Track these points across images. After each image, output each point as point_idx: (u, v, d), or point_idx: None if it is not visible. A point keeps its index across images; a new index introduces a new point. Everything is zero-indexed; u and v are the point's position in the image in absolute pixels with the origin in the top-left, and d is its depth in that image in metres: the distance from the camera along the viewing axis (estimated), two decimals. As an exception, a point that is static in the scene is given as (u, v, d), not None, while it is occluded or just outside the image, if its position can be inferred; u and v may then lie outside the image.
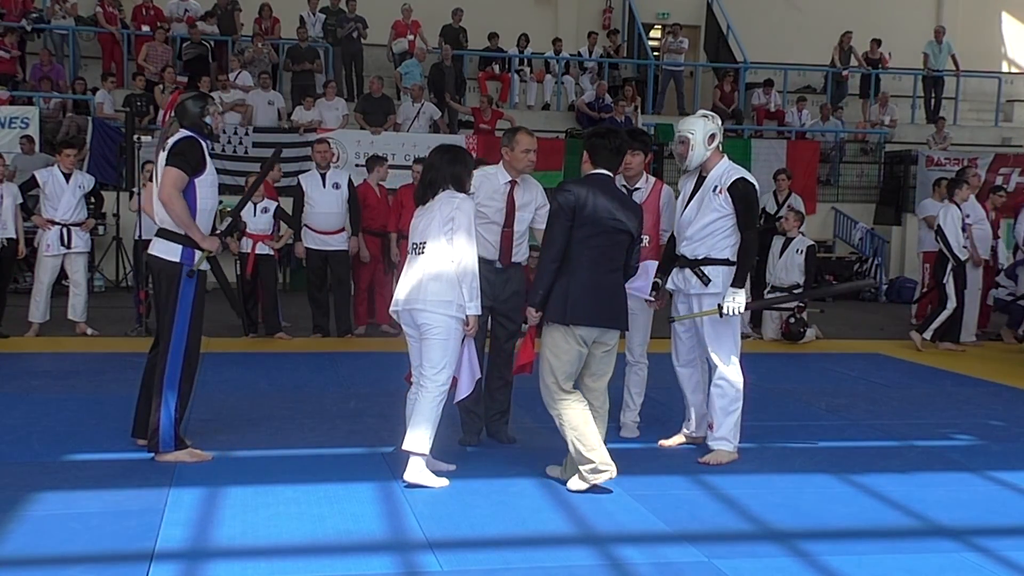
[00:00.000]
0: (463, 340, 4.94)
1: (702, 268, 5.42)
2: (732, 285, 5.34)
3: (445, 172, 4.95)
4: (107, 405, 6.24)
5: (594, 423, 4.78)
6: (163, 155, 5.09)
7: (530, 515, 4.49)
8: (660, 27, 19.38)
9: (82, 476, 4.87)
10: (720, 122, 5.57)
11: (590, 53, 17.64)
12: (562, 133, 15.72)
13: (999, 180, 14.41)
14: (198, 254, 5.09)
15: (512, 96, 16.95)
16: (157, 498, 4.53)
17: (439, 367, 4.83)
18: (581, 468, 4.72)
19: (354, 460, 5.30)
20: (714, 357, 5.48)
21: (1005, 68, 20.57)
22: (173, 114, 5.25)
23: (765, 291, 10.26)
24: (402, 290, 4.94)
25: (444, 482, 4.84)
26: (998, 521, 4.62)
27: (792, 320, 9.87)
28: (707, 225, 5.41)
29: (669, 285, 5.62)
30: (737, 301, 5.29)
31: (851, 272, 14.83)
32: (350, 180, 9.49)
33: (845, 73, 17.94)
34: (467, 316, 4.86)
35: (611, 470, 4.69)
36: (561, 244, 4.74)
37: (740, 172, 5.44)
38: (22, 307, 9.29)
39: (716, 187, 5.39)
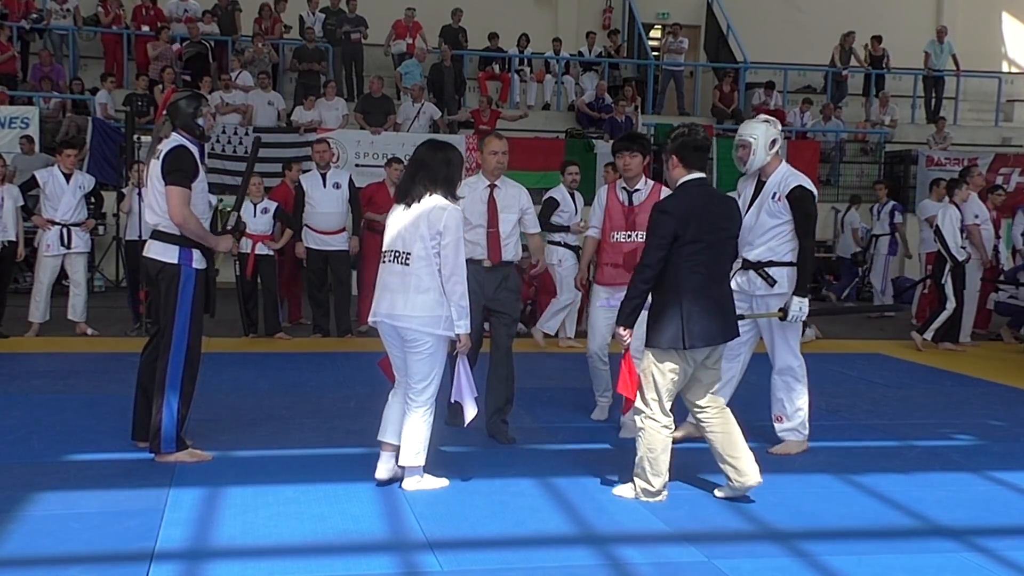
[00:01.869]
0: (456, 358, 4.79)
1: (766, 270, 5.52)
2: (795, 293, 5.43)
3: (439, 173, 4.66)
4: (107, 405, 6.24)
5: (670, 451, 4.68)
6: (155, 163, 5.08)
7: (530, 515, 4.49)
8: (660, 27, 19.39)
9: (82, 476, 4.87)
10: (780, 127, 5.61)
11: (589, 53, 17.64)
12: (562, 133, 15.73)
13: (999, 180, 14.42)
14: (196, 252, 5.10)
15: (512, 96, 16.94)
16: (157, 498, 4.53)
17: (427, 380, 4.69)
18: (637, 482, 4.69)
19: (354, 460, 5.29)
20: (780, 351, 5.60)
21: (1005, 68, 20.58)
22: (165, 113, 5.25)
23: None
24: (383, 302, 4.68)
25: (444, 482, 4.83)
26: (998, 521, 4.62)
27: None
28: (768, 230, 5.51)
29: (731, 285, 5.65)
30: (803, 309, 5.40)
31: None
32: (351, 180, 9.49)
33: (845, 73, 17.94)
34: (458, 335, 4.65)
35: (663, 497, 4.67)
36: (655, 269, 4.51)
37: (799, 179, 5.50)
38: (22, 307, 9.30)
39: (775, 193, 5.47)
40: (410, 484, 4.74)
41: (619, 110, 15.57)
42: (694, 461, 5.43)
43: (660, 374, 4.60)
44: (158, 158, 5.06)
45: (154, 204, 5.10)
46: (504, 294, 5.80)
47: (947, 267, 9.69)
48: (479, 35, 16.98)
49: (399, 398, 4.84)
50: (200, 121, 5.16)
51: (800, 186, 5.43)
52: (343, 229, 9.39)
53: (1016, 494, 5.09)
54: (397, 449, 4.76)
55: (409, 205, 4.67)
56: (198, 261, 5.11)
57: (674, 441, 4.84)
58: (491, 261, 5.74)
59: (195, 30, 15.37)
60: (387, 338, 4.77)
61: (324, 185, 9.28)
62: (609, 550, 4.08)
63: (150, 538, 4.03)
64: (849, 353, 9.58)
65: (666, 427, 4.65)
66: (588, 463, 5.36)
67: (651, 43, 19.03)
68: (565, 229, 9.20)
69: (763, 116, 5.75)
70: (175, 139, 5.10)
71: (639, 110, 16.40)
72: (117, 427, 5.59)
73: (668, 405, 4.66)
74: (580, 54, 17.72)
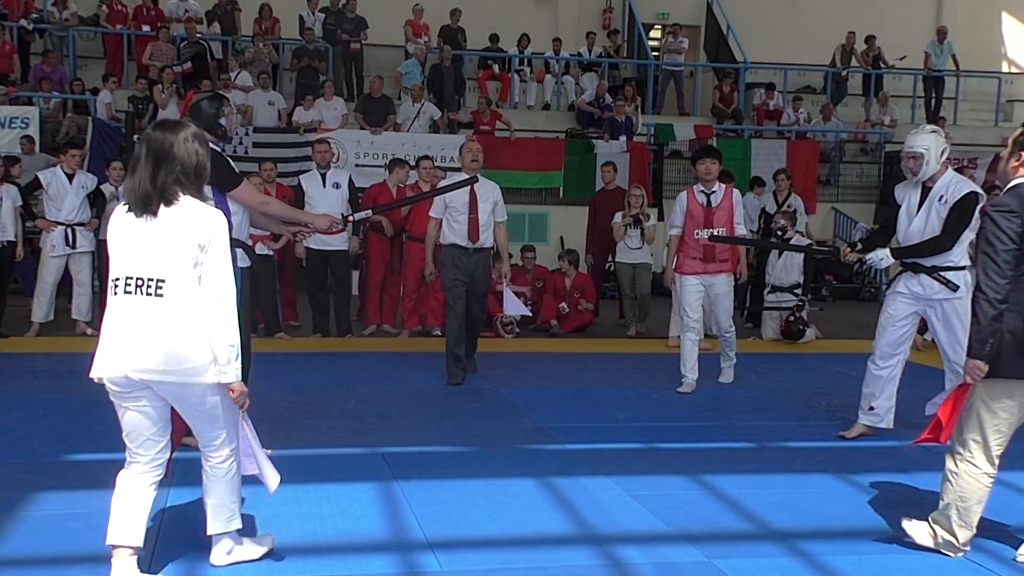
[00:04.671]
0: (240, 416, 3.72)
1: (943, 274, 5.68)
2: (884, 247, 5.92)
3: (189, 164, 3.47)
4: (107, 405, 6.14)
5: (984, 502, 4.11)
6: None
7: (530, 515, 4.50)
8: (660, 27, 19.39)
9: (82, 476, 4.87)
10: (943, 135, 5.81)
11: (589, 53, 17.64)
12: (562, 133, 15.73)
13: (998, 180, 14.41)
14: (239, 252, 5.07)
15: (512, 96, 16.94)
16: (157, 498, 4.51)
17: (221, 437, 3.65)
18: (938, 530, 4.16)
19: (354, 460, 5.30)
20: (958, 349, 5.60)
21: (1005, 68, 20.58)
22: (188, 115, 5.23)
23: (765, 291, 10.29)
24: (120, 350, 3.43)
25: (265, 548, 3.91)
26: (998, 521, 4.62)
27: (792, 319, 9.89)
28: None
29: (901, 287, 5.87)
30: (883, 260, 5.89)
31: (851, 272, 14.84)
32: (350, 180, 9.49)
33: (845, 73, 17.94)
34: (230, 385, 3.47)
35: (964, 553, 4.15)
36: (1006, 284, 3.86)
37: (969, 185, 5.72)
38: (22, 307, 9.30)
39: (941, 196, 5.64)
40: (219, 556, 3.77)
41: (619, 110, 15.56)
42: (693, 460, 5.44)
43: (989, 412, 4.02)
44: None
45: None
46: (479, 274, 7.33)
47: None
48: (479, 35, 16.97)
49: (134, 478, 3.67)
50: (223, 121, 5.13)
51: (972, 192, 5.64)
52: (343, 229, 9.37)
53: (1016, 494, 5.09)
54: (137, 551, 3.59)
55: (152, 213, 3.42)
56: (242, 260, 5.09)
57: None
58: (471, 242, 7.18)
59: (193, 30, 15.37)
60: (127, 394, 3.57)
61: (324, 185, 9.28)
62: (609, 550, 4.08)
63: (150, 538, 4.03)
64: (849, 353, 9.56)
65: (988, 475, 4.07)
66: (588, 463, 5.36)
67: (651, 43, 19.02)
68: None
69: (930, 127, 5.94)
70: None
71: (639, 110, 16.39)
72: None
73: (997, 451, 4.07)
74: (580, 54, 17.72)
